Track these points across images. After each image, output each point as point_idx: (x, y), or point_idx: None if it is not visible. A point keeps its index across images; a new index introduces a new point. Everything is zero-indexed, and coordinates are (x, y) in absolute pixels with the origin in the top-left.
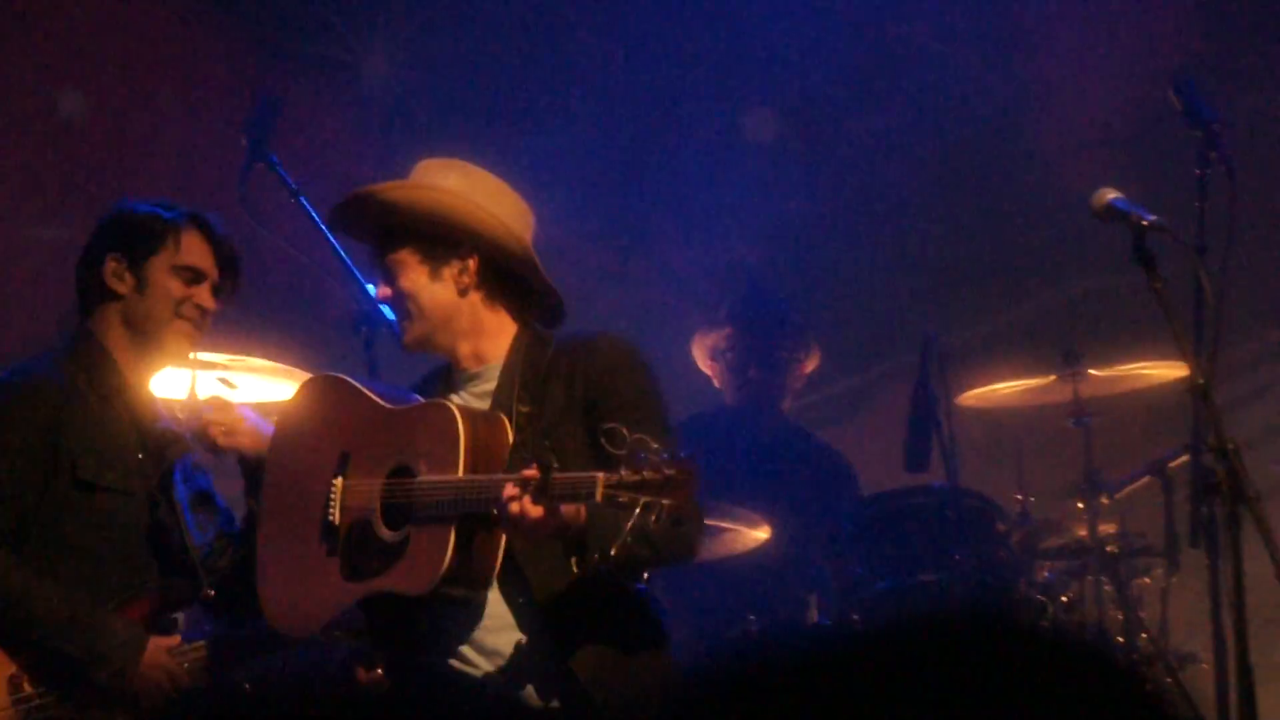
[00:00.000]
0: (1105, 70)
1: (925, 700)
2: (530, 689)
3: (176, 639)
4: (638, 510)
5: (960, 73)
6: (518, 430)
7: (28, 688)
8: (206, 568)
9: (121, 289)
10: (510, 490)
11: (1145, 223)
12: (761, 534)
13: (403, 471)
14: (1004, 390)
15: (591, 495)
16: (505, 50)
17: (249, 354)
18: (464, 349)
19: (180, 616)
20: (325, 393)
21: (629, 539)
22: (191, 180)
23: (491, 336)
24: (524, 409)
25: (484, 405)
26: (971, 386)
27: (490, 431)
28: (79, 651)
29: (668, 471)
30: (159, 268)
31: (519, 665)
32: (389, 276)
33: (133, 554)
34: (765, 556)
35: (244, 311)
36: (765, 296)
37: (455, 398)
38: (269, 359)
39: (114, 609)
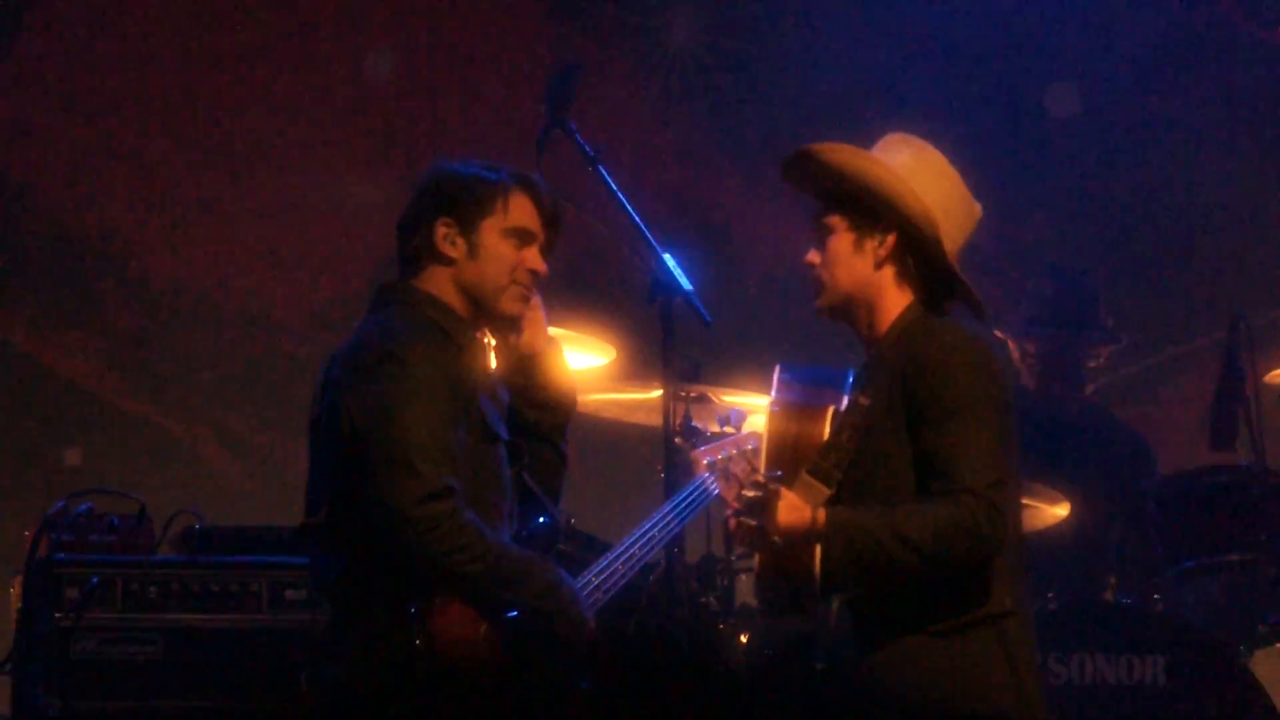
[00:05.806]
0: None
1: None
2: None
3: None
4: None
5: (1267, 54)
6: (845, 426)
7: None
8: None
9: (453, 253)
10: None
11: None
12: (1061, 510)
13: None
14: None
15: None
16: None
17: None
18: (865, 324)
19: None
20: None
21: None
22: (498, 141)
23: (887, 315)
24: (864, 400)
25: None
26: None
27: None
28: (551, 605)
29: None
30: (490, 231)
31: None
32: (819, 239)
33: (506, 500)
34: (1064, 534)
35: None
36: (1071, 303)
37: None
38: (564, 328)
39: None
